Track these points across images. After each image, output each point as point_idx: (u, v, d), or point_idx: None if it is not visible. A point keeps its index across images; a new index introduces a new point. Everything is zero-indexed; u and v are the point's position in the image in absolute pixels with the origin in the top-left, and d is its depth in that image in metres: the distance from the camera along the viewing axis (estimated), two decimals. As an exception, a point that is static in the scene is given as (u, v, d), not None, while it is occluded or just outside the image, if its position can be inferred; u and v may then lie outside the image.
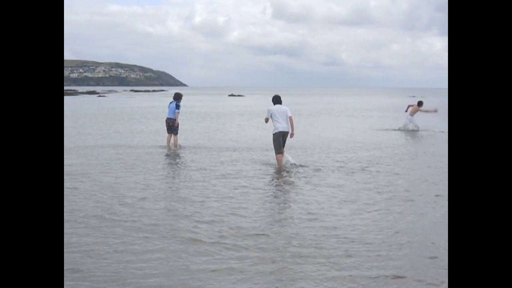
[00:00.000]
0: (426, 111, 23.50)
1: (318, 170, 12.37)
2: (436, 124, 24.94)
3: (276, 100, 12.72)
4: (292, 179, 11.22)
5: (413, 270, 5.74)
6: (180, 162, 13.84)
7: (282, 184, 10.92)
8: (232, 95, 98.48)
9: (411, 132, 22.29)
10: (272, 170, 12.36)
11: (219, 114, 36.53)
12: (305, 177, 11.47)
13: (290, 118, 12.45)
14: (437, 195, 9.70)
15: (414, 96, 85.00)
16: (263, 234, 7.07)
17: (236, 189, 10.15)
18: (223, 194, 9.66)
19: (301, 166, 12.87)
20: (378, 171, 12.35)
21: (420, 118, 23.54)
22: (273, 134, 12.60)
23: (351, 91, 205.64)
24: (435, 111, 23.62)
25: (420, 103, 23.22)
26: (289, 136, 12.63)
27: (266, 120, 12.78)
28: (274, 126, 12.56)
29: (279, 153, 12.49)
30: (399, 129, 23.11)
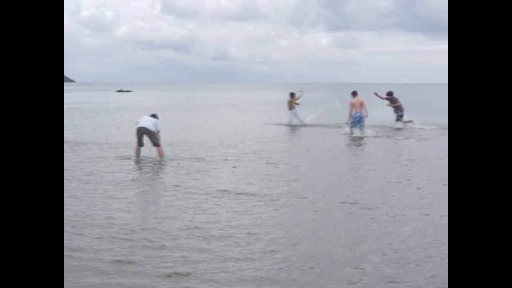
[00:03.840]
0: (298, 98, 23.98)
1: (207, 164, 12.53)
2: (327, 117, 25.11)
3: (151, 116, 13.92)
4: (179, 178, 10.79)
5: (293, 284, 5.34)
6: (67, 159, 13.06)
7: (171, 184, 10.34)
8: (121, 90, 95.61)
9: (299, 127, 22.50)
10: (163, 168, 12.25)
11: (110, 110, 35.64)
12: (194, 172, 11.52)
13: (158, 132, 13.52)
14: (324, 190, 9.85)
15: (301, 91, 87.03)
16: (140, 244, 6.46)
17: (118, 184, 10.09)
18: (109, 195, 9.19)
19: (191, 160, 13.08)
20: (270, 164, 12.68)
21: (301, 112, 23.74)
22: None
23: (241, 85, 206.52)
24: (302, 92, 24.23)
25: (292, 95, 23.66)
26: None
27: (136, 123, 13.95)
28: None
29: (138, 145, 13.60)
30: (287, 125, 23.20)
